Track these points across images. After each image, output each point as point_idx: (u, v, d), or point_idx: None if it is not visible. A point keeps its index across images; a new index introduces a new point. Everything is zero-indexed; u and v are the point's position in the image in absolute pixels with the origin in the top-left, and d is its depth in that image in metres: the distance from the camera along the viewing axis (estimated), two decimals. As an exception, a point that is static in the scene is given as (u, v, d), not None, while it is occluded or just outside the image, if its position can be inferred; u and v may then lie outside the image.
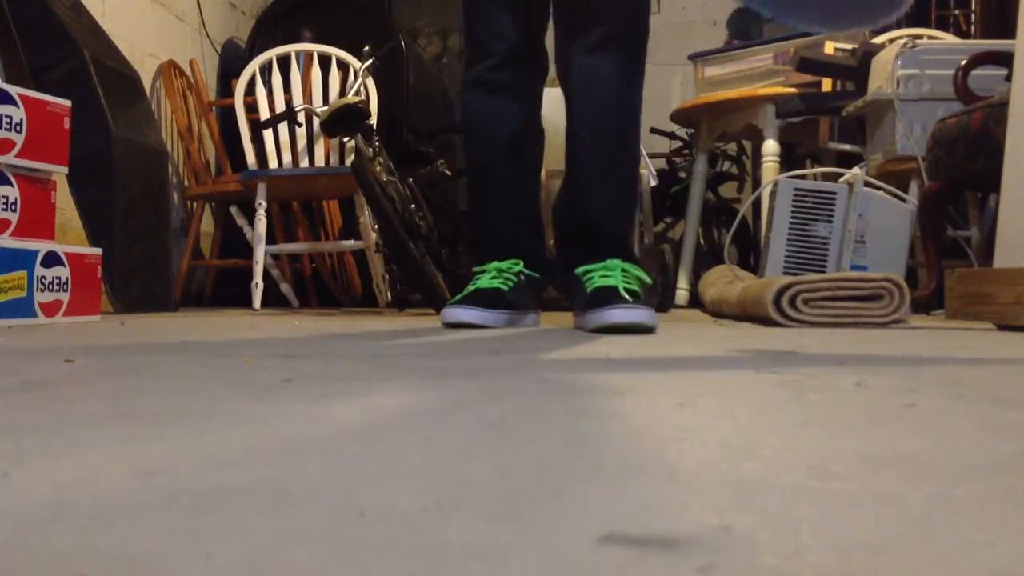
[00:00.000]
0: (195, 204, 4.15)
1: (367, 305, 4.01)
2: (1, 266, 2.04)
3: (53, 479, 0.46)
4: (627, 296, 1.81)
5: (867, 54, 3.55)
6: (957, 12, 4.66)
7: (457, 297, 2.04)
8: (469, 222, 2.19)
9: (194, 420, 0.66)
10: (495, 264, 2.07)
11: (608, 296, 1.81)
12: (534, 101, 2.14)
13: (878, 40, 3.78)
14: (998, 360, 1.23)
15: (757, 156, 4.24)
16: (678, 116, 4.18)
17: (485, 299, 2.00)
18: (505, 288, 2.04)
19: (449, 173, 3.25)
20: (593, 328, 1.78)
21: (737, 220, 3.42)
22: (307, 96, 3.80)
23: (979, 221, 3.30)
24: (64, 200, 2.85)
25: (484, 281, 2.04)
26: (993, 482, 0.46)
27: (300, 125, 3.65)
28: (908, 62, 3.26)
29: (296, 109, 3.49)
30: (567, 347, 1.48)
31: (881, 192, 3.05)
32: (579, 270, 1.93)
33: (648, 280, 1.94)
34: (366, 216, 3.44)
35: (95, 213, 2.95)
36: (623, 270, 1.90)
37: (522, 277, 2.07)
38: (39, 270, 2.14)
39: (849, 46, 3.80)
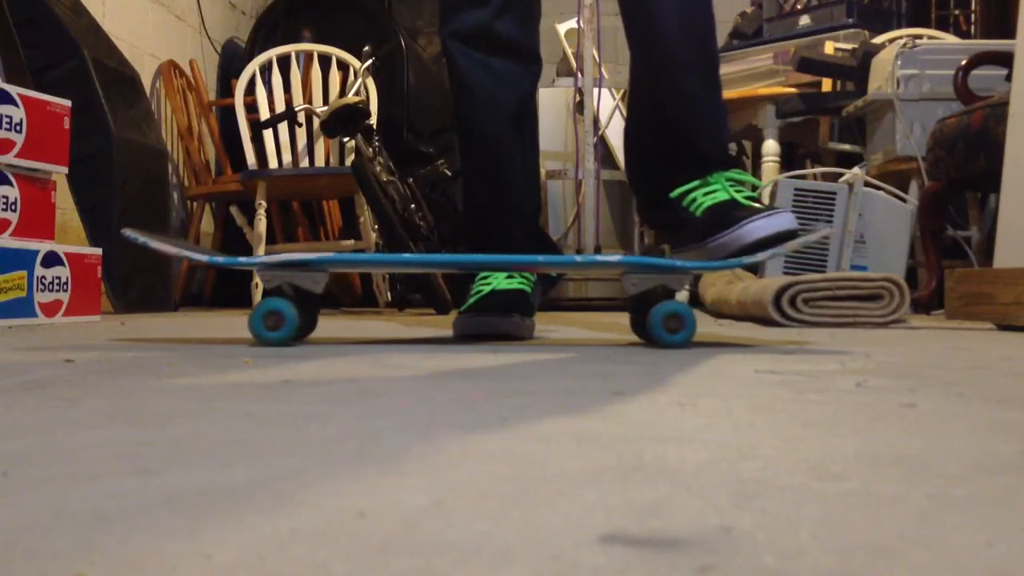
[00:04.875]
0: (195, 204, 4.15)
1: (367, 305, 4.01)
2: (1, 266, 2.04)
3: (53, 479, 0.46)
4: (754, 203, 1.48)
5: (867, 54, 3.55)
6: (957, 12, 4.66)
7: (471, 302, 1.66)
8: (467, 212, 1.82)
9: (193, 420, 0.66)
10: None
11: (730, 211, 1.47)
12: (536, 66, 1.79)
13: (878, 40, 3.78)
14: (998, 360, 1.23)
15: (757, 156, 4.24)
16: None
17: (509, 304, 1.63)
18: (528, 289, 1.68)
19: (449, 173, 3.25)
20: (731, 253, 1.45)
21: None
22: (307, 96, 3.80)
23: (979, 221, 3.30)
24: (64, 200, 2.85)
25: (501, 281, 1.66)
26: (993, 482, 0.46)
27: (300, 125, 3.65)
28: (908, 62, 3.26)
29: (296, 109, 3.49)
30: (563, 345, 1.48)
31: (881, 192, 3.05)
32: (673, 194, 1.54)
33: (757, 182, 1.57)
34: (366, 216, 3.44)
35: (95, 213, 2.95)
36: (727, 179, 1.53)
37: (537, 277, 1.73)
38: (39, 270, 2.14)
39: (849, 46, 3.80)
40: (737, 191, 1.51)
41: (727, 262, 1.46)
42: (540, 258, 1.48)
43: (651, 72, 1.61)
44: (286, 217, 4.30)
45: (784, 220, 1.44)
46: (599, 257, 1.38)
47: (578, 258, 1.36)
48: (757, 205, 1.48)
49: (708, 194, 1.51)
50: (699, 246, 1.51)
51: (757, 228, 1.43)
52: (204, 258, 1.49)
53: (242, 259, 1.55)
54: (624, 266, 1.45)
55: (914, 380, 0.96)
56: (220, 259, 1.55)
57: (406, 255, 1.36)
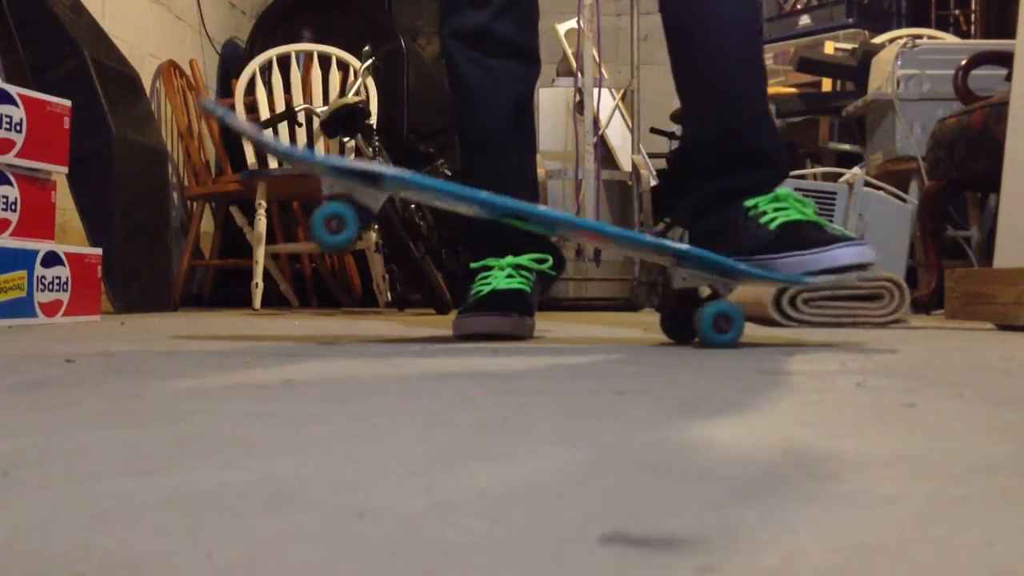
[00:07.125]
0: (195, 204, 4.15)
1: (367, 305, 4.01)
2: (1, 266, 2.04)
3: (53, 479, 0.46)
4: (835, 229, 1.49)
5: (867, 54, 3.55)
6: (957, 12, 4.66)
7: (470, 302, 1.65)
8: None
9: (194, 420, 0.66)
10: (510, 259, 1.69)
11: (809, 231, 1.48)
12: (535, 66, 1.80)
13: (878, 40, 3.78)
14: (998, 360, 1.23)
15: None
16: (678, 116, 4.18)
17: (508, 304, 1.63)
18: (528, 289, 1.68)
19: (449, 173, 3.25)
20: (806, 272, 1.45)
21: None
22: (307, 96, 3.80)
23: (979, 221, 3.30)
24: (64, 200, 2.85)
25: (500, 281, 1.66)
26: (993, 482, 0.46)
27: (300, 125, 3.65)
28: (908, 62, 3.26)
29: (296, 109, 3.48)
30: (563, 344, 1.48)
31: (881, 192, 3.05)
32: (748, 203, 1.54)
33: (813, 206, 1.58)
34: (366, 216, 3.43)
35: (95, 213, 2.95)
36: (795, 200, 1.54)
37: (536, 275, 1.72)
38: (39, 270, 2.14)
39: (849, 46, 3.81)
40: (814, 212, 1.53)
41: (791, 277, 1.46)
42: (610, 228, 1.45)
43: (715, 78, 1.61)
44: (286, 217, 4.29)
45: (866, 252, 1.44)
46: (668, 242, 1.39)
47: (648, 237, 1.39)
48: (839, 231, 1.49)
49: (779, 210, 1.52)
50: (765, 259, 1.51)
51: (842, 255, 1.43)
52: (283, 148, 1.46)
53: (319, 157, 1.43)
54: (683, 257, 1.41)
55: (914, 380, 0.96)
56: (297, 152, 1.45)
57: (482, 193, 1.36)
